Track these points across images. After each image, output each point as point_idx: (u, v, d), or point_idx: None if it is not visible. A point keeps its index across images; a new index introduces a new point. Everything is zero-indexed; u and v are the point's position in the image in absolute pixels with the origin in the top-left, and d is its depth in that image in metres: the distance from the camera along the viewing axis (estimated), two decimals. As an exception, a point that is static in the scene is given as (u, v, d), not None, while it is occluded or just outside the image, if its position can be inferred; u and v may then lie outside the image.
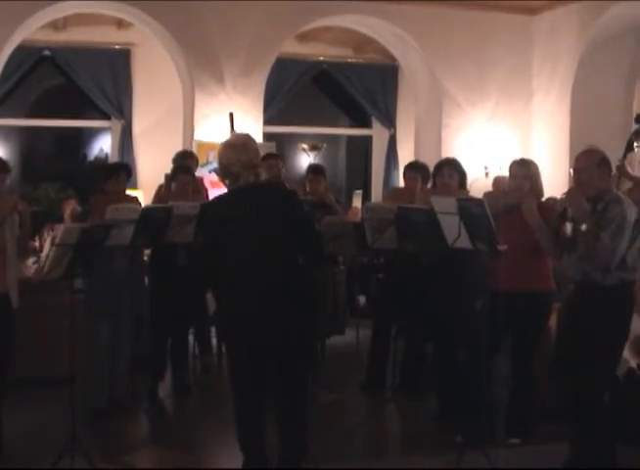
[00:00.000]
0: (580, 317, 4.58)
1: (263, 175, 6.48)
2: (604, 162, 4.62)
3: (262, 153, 7.29)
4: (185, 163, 7.16)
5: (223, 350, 7.15)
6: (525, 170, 5.17)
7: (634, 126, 5.47)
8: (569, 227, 4.71)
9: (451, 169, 5.88)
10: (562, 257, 4.92)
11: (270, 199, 4.43)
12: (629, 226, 4.46)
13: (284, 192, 4.72)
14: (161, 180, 7.72)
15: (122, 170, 6.19)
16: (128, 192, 6.50)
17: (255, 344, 4.31)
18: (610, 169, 4.68)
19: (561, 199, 5.57)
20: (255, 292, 4.27)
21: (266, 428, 4.44)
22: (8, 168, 5.14)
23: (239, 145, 4.44)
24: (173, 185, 6.60)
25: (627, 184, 6.22)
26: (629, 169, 6.16)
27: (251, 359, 4.34)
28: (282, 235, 4.33)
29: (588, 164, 4.60)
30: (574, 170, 4.66)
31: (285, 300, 4.29)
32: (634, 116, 5.67)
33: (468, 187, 6.32)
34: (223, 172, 4.46)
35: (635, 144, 5.33)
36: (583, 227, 4.54)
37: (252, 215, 4.30)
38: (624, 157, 5.42)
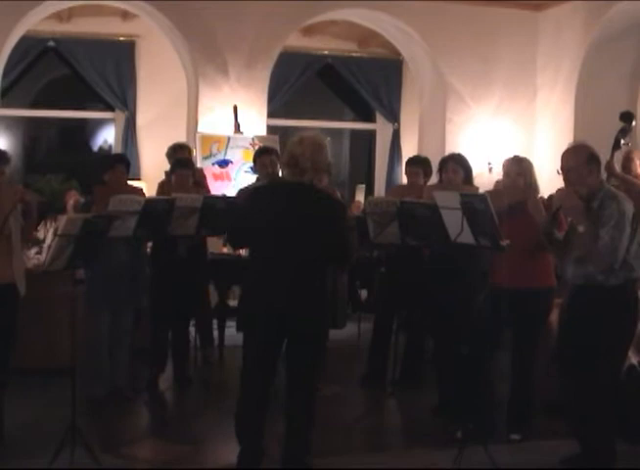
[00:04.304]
0: (585, 319, 4.44)
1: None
2: (592, 157, 4.44)
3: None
4: (181, 156, 7.14)
5: (224, 342, 7.17)
6: (518, 167, 5.14)
7: (621, 124, 5.37)
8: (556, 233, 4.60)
9: (455, 164, 5.88)
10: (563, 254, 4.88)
11: (309, 200, 4.33)
12: (629, 222, 4.31)
13: (324, 197, 4.50)
14: (163, 175, 7.68)
15: (120, 162, 6.11)
16: (131, 183, 6.48)
17: (271, 334, 4.29)
18: (599, 164, 4.48)
19: (552, 195, 5.50)
20: (276, 280, 4.25)
21: (272, 422, 4.43)
22: (7, 158, 5.02)
23: (321, 144, 4.34)
24: (173, 179, 6.58)
25: (613, 182, 6.13)
26: (617, 168, 6.08)
27: (265, 350, 4.33)
28: (311, 235, 4.27)
29: (576, 161, 4.42)
30: (562, 170, 4.48)
31: (305, 293, 4.28)
32: (619, 113, 5.54)
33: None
34: (289, 161, 4.33)
35: (622, 142, 5.24)
36: (581, 229, 4.38)
37: (287, 213, 4.26)
38: (612, 155, 5.33)
